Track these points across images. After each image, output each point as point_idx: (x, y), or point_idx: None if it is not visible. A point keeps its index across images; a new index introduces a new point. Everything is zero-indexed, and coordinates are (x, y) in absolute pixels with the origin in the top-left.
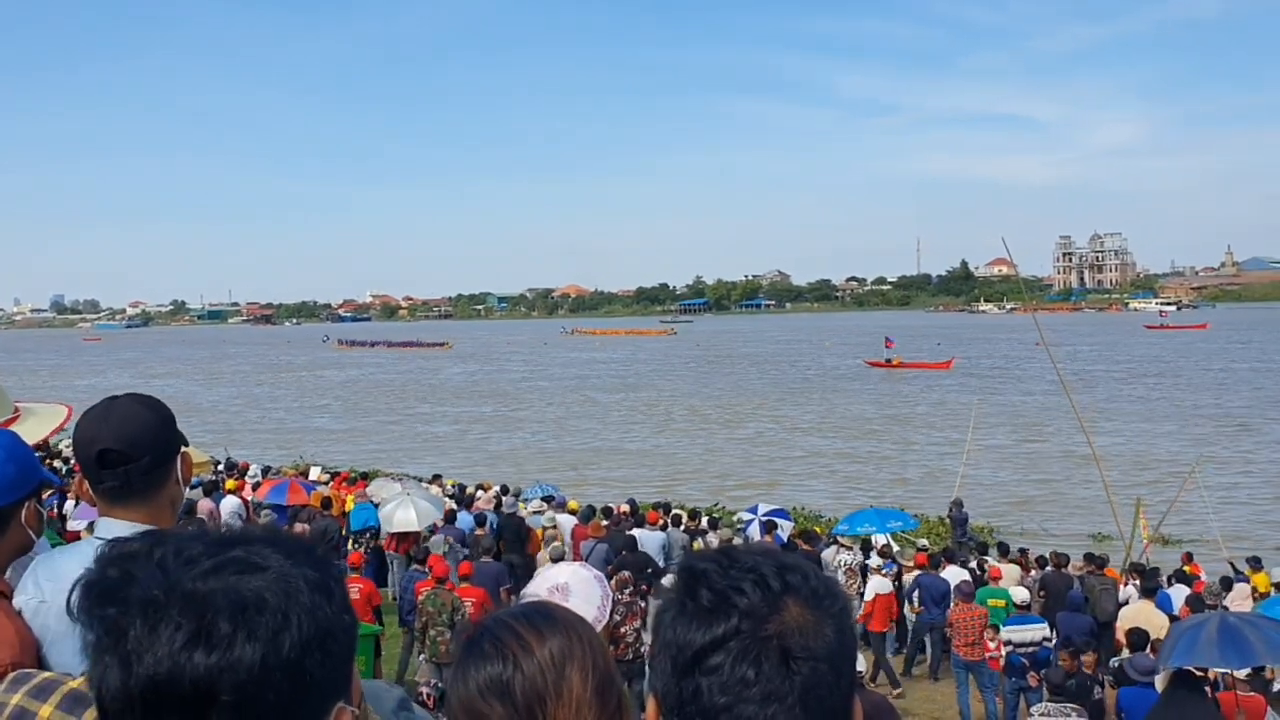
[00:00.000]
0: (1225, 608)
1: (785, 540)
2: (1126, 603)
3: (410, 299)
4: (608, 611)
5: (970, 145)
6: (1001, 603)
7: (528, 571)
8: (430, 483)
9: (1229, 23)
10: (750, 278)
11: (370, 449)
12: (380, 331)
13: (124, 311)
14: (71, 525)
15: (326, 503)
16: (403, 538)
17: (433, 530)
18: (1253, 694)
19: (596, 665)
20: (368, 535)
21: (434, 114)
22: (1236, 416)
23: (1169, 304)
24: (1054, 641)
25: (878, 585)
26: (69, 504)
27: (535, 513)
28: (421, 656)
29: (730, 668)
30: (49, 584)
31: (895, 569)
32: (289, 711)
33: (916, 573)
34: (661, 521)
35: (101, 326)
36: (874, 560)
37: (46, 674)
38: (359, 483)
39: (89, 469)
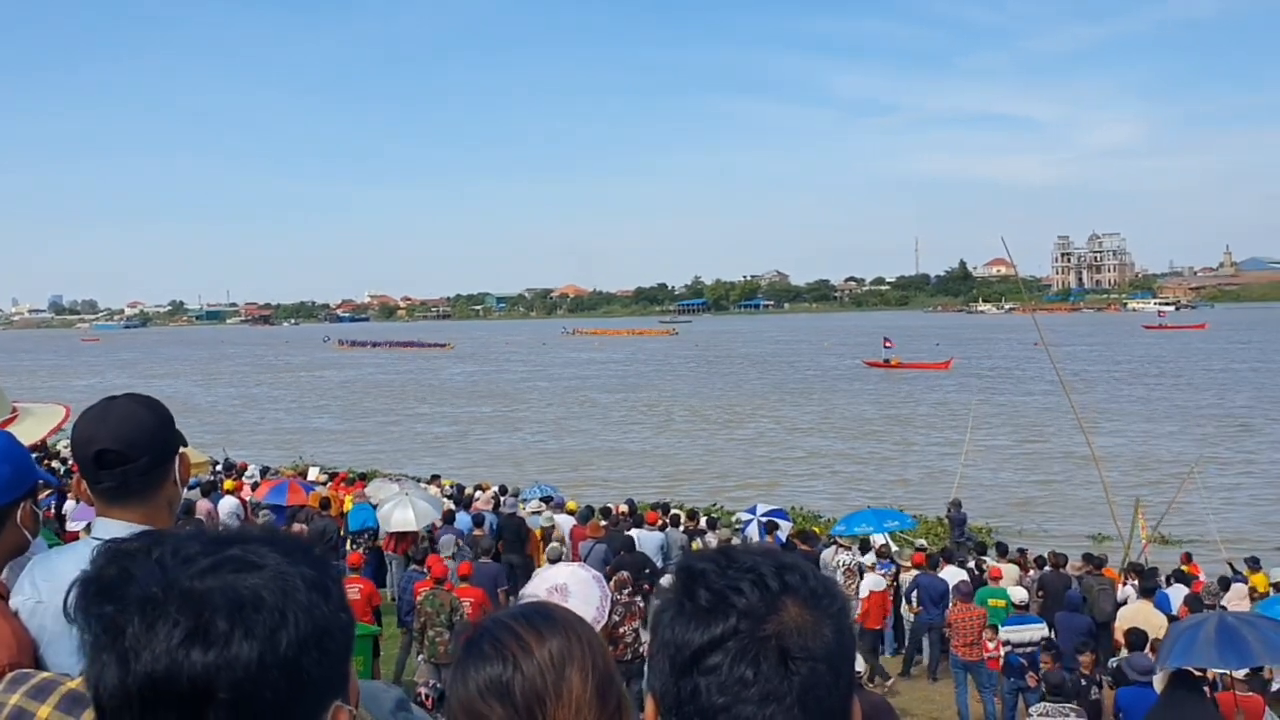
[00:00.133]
0: (1223, 607)
1: (784, 541)
2: (1125, 603)
3: (408, 299)
4: (606, 612)
5: (969, 145)
6: (1002, 603)
7: (527, 572)
8: (429, 483)
9: (1228, 22)
10: (749, 278)
11: (369, 449)
12: (380, 332)
13: (122, 312)
14: (71, 526)
15: (325, 503)
16: (401, 538)
17: (431, 531)
18: (1251, 694)
19: (596, 666)
20: (366, 536)
21: (434, 114)
22: (1238, 417)
23: (1167, 304)
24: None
25: (871, 583)
26: (68, 504)
27: (534, 513)
28: (420, 657)
29: (729, 668)
30: (46, 584)
31: (893, 569)
32: (286, 709)
33: (915, 573)
34: (660, 522)
35: (100, 327)
36: (867, 558)
37: (45, 674)
38: (357, 483)
39: (86, 469)
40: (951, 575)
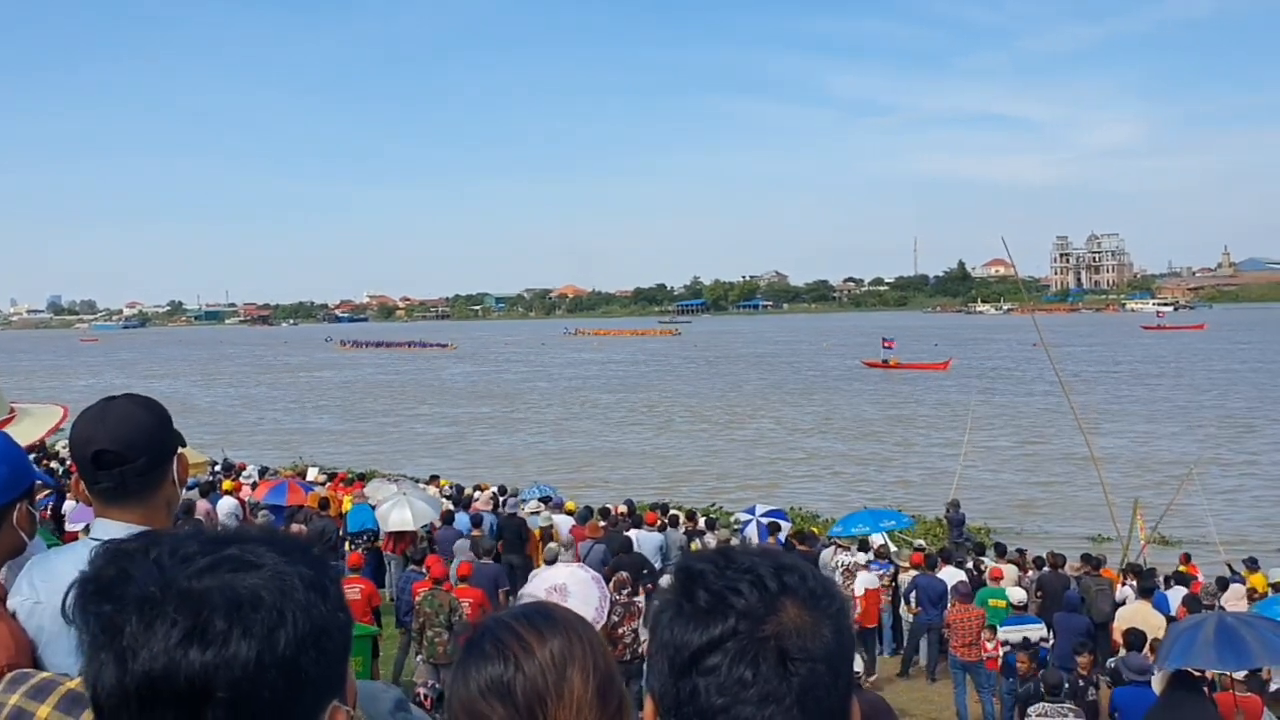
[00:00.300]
0: (1221, 608)
1: (783, 541)
2: (1123, 603)
3: (407, 299)
4: (605, 612)
5: (968, 145)
6: (1003, 603)
7: (527, 573)
8: (428, 483)
9: (1227, 22)
10: (748, 278)
11: (368, 450)
12: (380, 332)
13: (120, 312)
14: (69, 526)
15: (324, 503)
16: (399, 538)
17: (430, 531)
18: (1250, 694)
19: (598, 666)
20: (365, 536)
21: (434, 114)
22: (1239, 417)
23: (1166, 305)
24: (1050, 642)
25: (865, 581)
26: (67, 504)
27: (532, 513)
28: (418, 657)
29: (728, 668)
30: (44, 585)
31: (892, 569)
32: (284, 709)
33: (913, 573)
34: (659, 522)
35: (98, 327)
36: (861, 557)
37: (44, 674)
38: (356, 484)
39: (85, 469)
40: (950, 576)
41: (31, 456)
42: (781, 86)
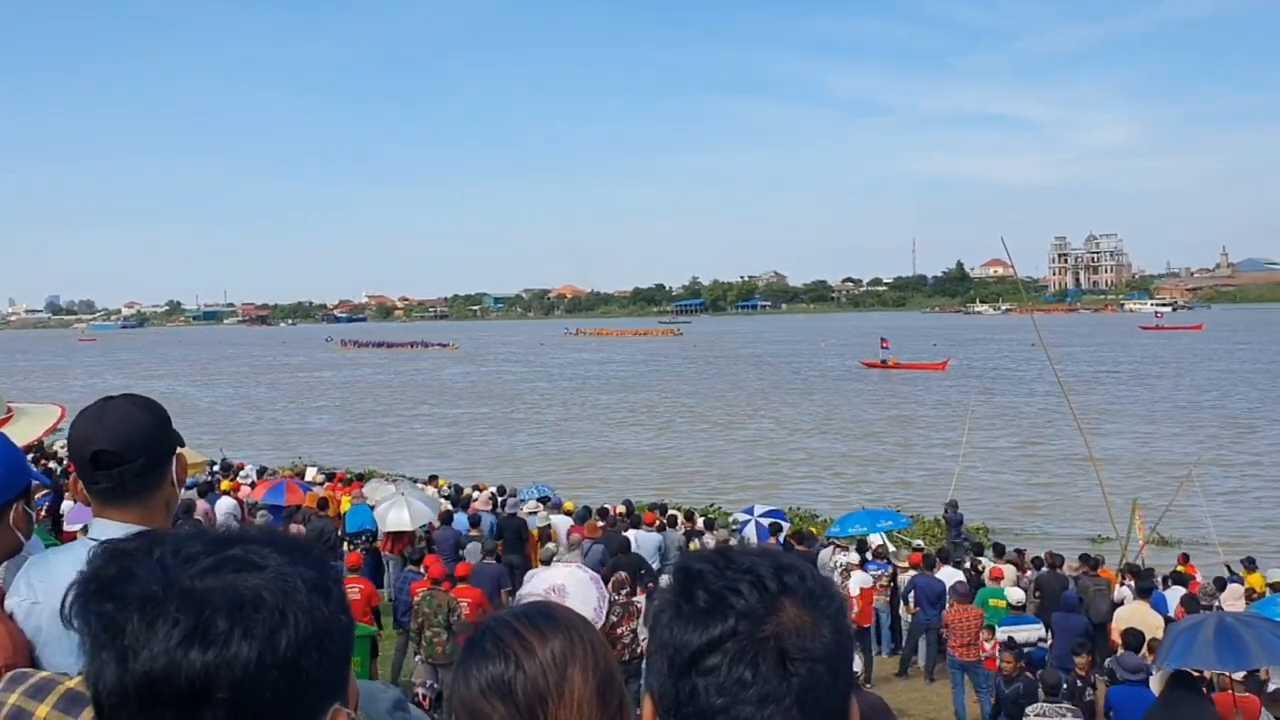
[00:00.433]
0: (1220, 608)
1: (783, 542)
2: (1121, 603)
3: (406, 299)
4: (604, 612)
5: (966, 146)
6: (1002, 603)
7: (527, 573)
8: (426, 484)
9: (1226, 22)
10: (746, 278)
11: (367, 450)
12: (379, 332)
13: (119, 312)
14: (67, 526)
15: (323, 504)
16: (397, 538)
17: (429, 531)
18: (1248, 694)
19: (598, 665)
20: (364, 537)
21: (434, 114)
22: (1240, 418)
23: (1164, 305)
24: (1048, 642)
25: (860, 580)
26: (65, 504)
27: (530, 513)
28: (417, 657)
29: (727, 669)
30: (42, 585)
31: (890, 569)
32: (285, 710)
33: (912, 573)
34: (658, 523)
35: (97, 327)
36: (854, 557)
37: (44, 674)
38: (355, 484)
39: (83, 470)
40: (948, 576)
41: (29, 456)
42: (781, 86)
